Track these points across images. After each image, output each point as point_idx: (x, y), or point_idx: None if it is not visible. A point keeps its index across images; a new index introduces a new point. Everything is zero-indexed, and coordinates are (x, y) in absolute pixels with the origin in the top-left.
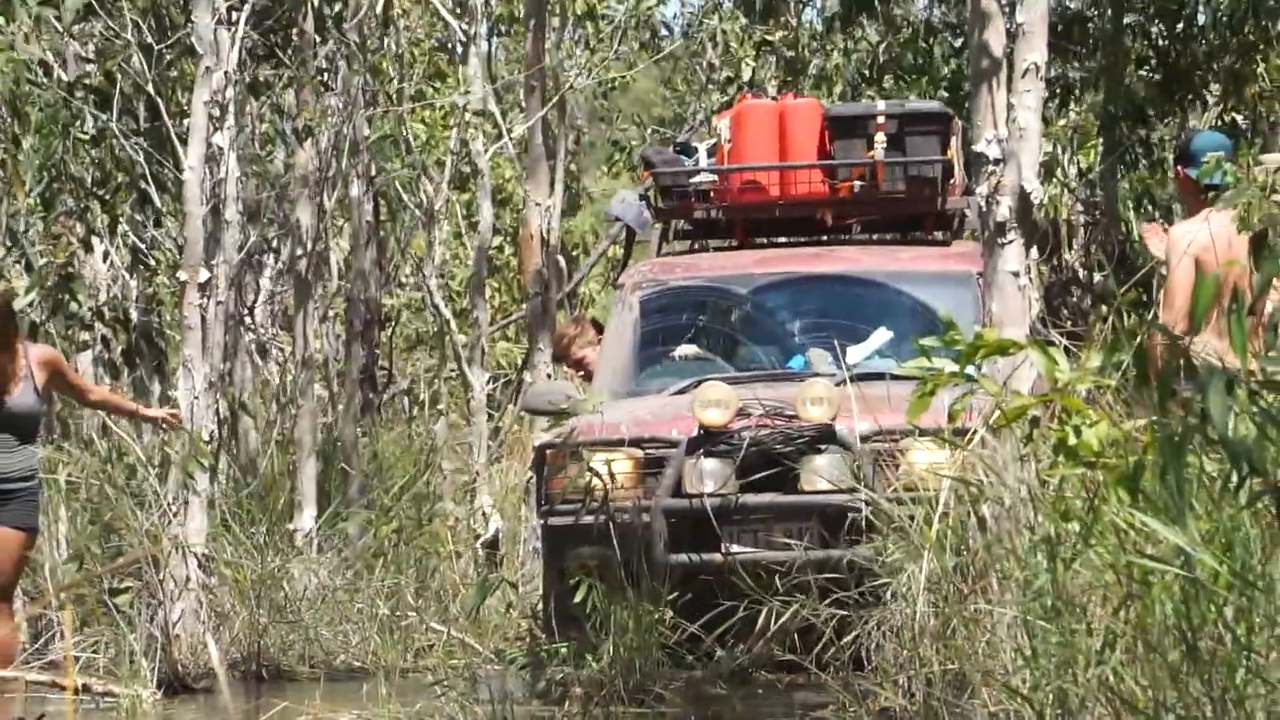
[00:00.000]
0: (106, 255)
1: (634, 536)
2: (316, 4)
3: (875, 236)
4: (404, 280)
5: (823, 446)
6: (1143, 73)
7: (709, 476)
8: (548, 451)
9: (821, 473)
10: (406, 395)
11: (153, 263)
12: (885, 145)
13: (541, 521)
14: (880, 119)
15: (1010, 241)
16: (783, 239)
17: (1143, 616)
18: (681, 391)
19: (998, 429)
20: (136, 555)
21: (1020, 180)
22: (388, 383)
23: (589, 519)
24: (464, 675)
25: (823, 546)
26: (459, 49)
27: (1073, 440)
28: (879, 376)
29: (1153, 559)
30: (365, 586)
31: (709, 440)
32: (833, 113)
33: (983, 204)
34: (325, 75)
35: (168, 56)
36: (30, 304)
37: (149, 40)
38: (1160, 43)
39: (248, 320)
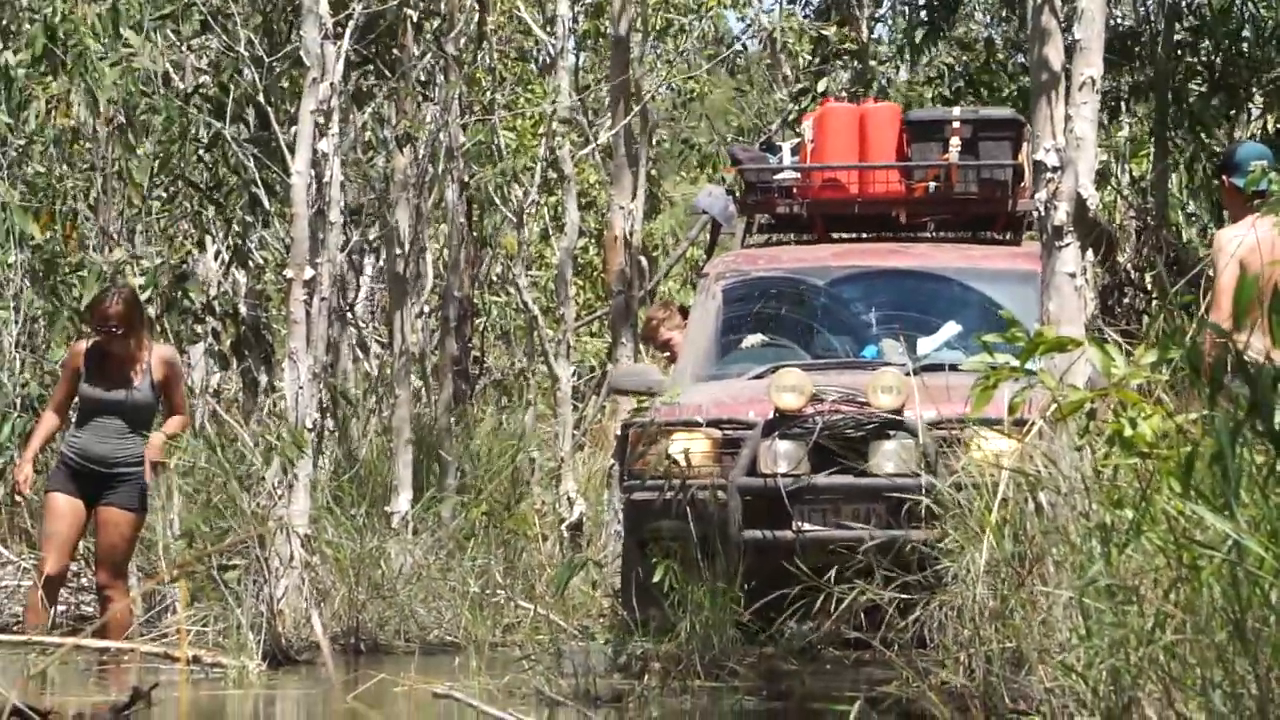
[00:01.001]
0: (218, 254)
1: (711, 513)
2: (416, 19)
3: (948, 235)
4: (494, 279)
5: (891, 433)
6: (1192, 85)
7: (783, 457)
8: (631, 431)
9: (889, 458)
10: (497, 387)
11: (261, 261)
12: (960, 149)
13: (624, 498)
14: (955, 124)
15: (1067, 244)
16: (860, 235)
17: (1192, 599)
18: (759, 377)
19: (1056, 421)
20: (244, 535)
21: (1077, 186)
22: (479, 375)
23: (669, 496)
24: (549, 650)
25: (888, 528)
26: (547, 61)
27: (1128, 432)
28: (947, 368)
29: (1202, 545)
30: (457, 566)
31: (784, 423)
32: (911, 117)
33: (1041, 209)
34: (424, 86)
35: (277, 68)
36: (147, 300)
37: (260, 53)
38: (1209, 57)
39: (349, 316)
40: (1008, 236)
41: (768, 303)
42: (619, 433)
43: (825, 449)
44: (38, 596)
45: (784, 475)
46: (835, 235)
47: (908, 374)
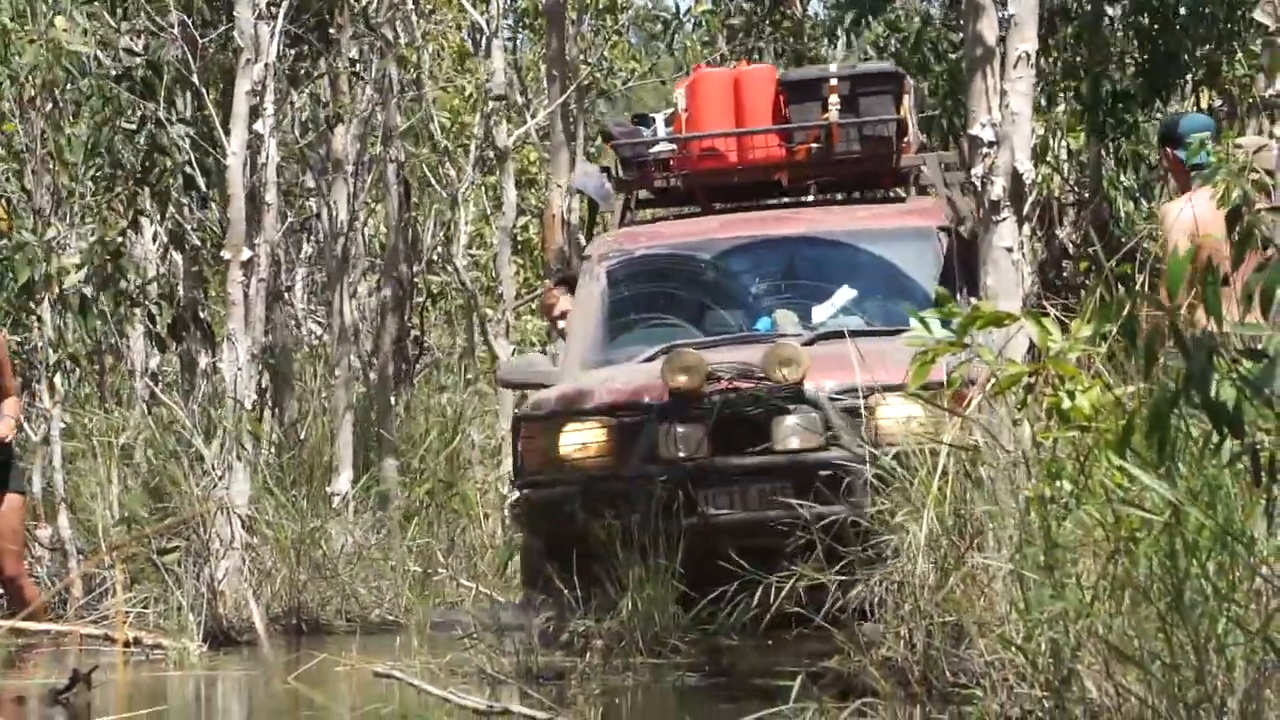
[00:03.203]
0: (155, 236)
1: (610, 505)
2: None
3: (835, 197)
4: (434, 258)
5: (793, 406)
6: (1125, 61)
7: (682, 441)
8: (522, 425)
9: (793, 432)
10: (437, 367)
11: (198, 242)
12: (839, 107)
13: (520, 497)
14: (833, 81)
15: (1004, 219)
16: (745, 204)
17: (1130, 570)
18: (652, 359)
19: (994, 395)
20: (184, 517)
21: (1013, 161)
22: (419, 355)
23: (565, 490)
24: (490, 628)
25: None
26: (483, 40)
27: (1065, 405)
28: (843, 334)
29: (1141, 509)
30: (398, 545)
31: (680, 406)
32: (786, 77)
33: (978, 184)
34: (358, 66)
35: (211, 49)
36: (82, 280)
37: (192, 33)
38: (1139, 33)
39: (286, 296)
40: (895, 194)
41: (653, 281)
42: (510, 425)
43: (726, 429)
44: None
45: (685, 460)
46: (719, 206)
47: (804, 344)
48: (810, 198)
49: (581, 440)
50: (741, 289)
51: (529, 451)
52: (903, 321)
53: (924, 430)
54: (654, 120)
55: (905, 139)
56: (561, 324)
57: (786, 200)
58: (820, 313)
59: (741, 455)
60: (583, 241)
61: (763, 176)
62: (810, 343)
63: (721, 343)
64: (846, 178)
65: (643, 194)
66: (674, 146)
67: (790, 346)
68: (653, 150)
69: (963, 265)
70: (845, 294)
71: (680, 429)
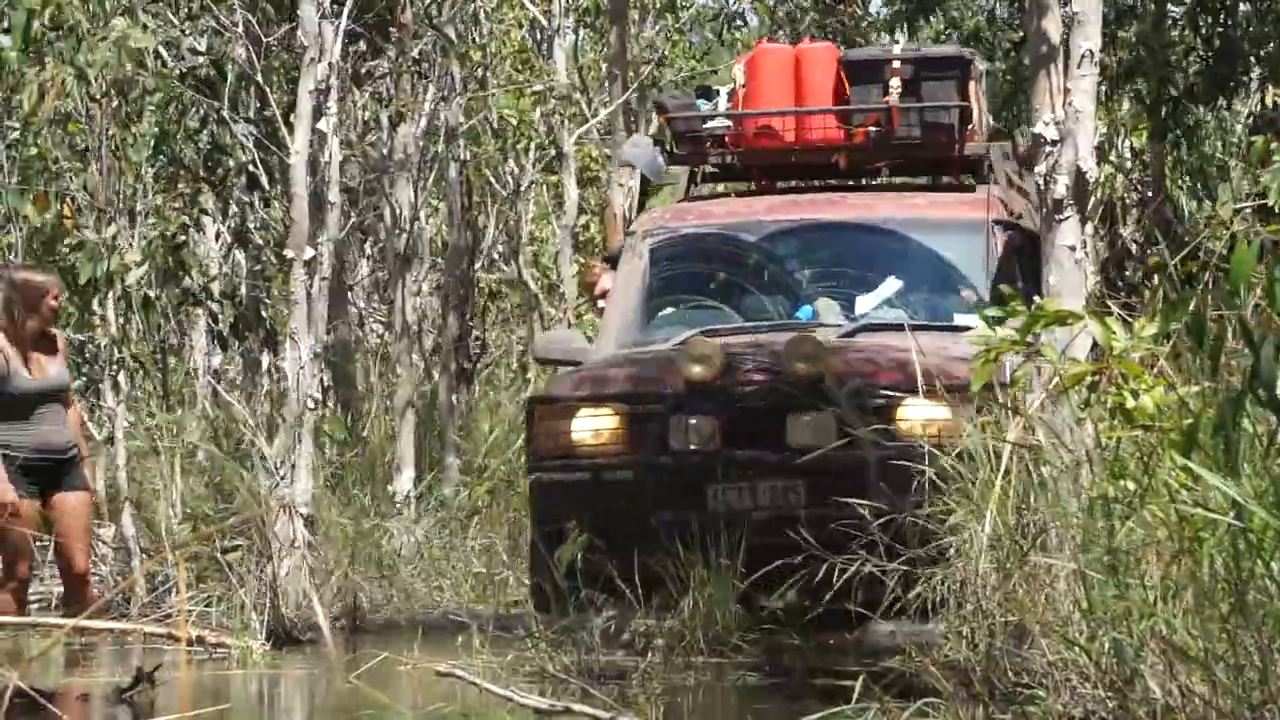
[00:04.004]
0: (217, 235)
1: (621, 494)
2: None
3: (897, 181)
4: (495, 256)
5: (810, 403)
6: (1191, 58)
7: (694, 433)
8: (537, 408)
9: (808, 429)
10: (500, 365)
11: (261, 241)
12: (901, 90)
13: (530, 480)
14: (895, 64)
15: (1067, 217)
16: (801, 184)
17: (1194, 571)
18: (682, 344)
19: (1059, 394)
20: (247, 516)
21: (1076, 159)
22: (481, 353)
23: (576, 477)
24: (553, 627)
25: (808, 505)
26: (545, 39)
27: (1129, 404)
28: (889, 327)
29: (1206, 510)
30: (460, 545)
31: (695, 396)
32: (849, 57)
33: (1041, 182)
34: (421, 65)
35: (275, 47)
36: (142, 278)
37: (257, 32)
38: (1206, 31)
39: (350, 295)
40: (960, 181)
41: (696, 262)
42: (525, 407)
43: (743, 422)
44: (12, 600)
45: (696, 452)
46: (777, 184)
47: (845, 335)
48: (870, 181)
49: (594, 427)
50: (786, 274)
51: (541, 435)
52: (948, 317)
53: (945, 433)
54: (718, 93)
55: (970, 125)
56: (602, 303)
57: (843, 183)
58: (864, 303)
59: (755, 450)
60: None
61: (819, 158)
62: (850, 334)
63: (760, 329)
64: (908, 163)
65: (708, 168)
66: (729, 123)
67: (810, 340)
68: (707, 125)
69: (1022, 261)
70: (891, 285)
71: (693, 420)
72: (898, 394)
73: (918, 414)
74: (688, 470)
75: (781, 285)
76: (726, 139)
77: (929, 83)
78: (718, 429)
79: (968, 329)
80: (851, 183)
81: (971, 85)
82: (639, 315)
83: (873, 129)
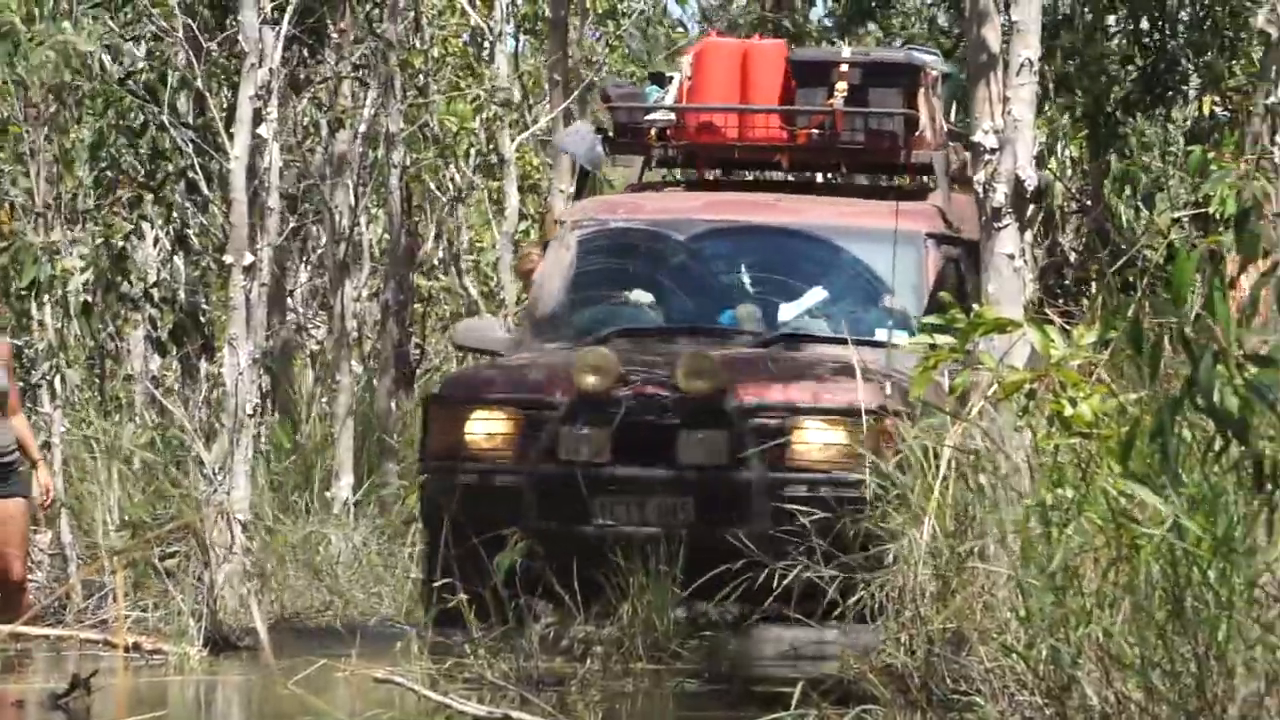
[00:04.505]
0: (156, 240)
1: (506, 501)
2: (353, 2)
3: (841, 182)
4: (435, 264)
5: (704, 420)
6: (1127, 69)
7: (584, 444)
8: (431, 407)
9: (697, 447)
10: (440, 372)
11: (199, 247)
12: (846, 95)
13: (421, 477)
14: (844, 67)
15: (1005, 225)
16: (744, 181)
17: (1131, 579)
18: (600, 343)
19: (996, 401)
20: (184, 522)
21: (1015, 168)
22: (420, 359)
23: (465, 480)
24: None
25: (694, 523)
26: (487, 45)
27: (1068, 411)
28: (806, 339)
29: (1141, 525)
30: (399, 551)
31: (586, 407)
32: (796, 57)
33: (980, 191)
34: (361, 71)
35: (215, 53)
36: (85, 283)
37: (196, 36)
38: (1140, 41)
39: (289, 301)
40: (908, 187)
41: (623, 257)
42: (420, 404)
43: (634, 436)
44: None
45: (584, 464)
46: (713, 180)
47: (762, 344)
48: (815, 182)
49: (487, 430)
50: (712, 276)
51: (434, 434)
52: (870, 331)
53: (843, 458)
54: (671, 80)
55: (917, 133)
56: None
57: (786, 183)
58: (786, 312)
59: (643, 466)
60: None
61: (761, 157)
62: (766, 344)
63: (676, 332)
64: (853, 167)
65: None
66: (671, 116)
67: (704, 358)
68: (649, 117)
69: (959, 274)
70: (815, 295)
71: (583, 431)
72: (794, 415)
73: (815, 437)
74: (574, 482)
75: (706, 287)
76: (669, 131)
77: (876, 88)
78: (607, 442)
79: (888, 344)
80: (795, 182)
81: (922, 92)
82: (559, 308)
83: (816, 132)
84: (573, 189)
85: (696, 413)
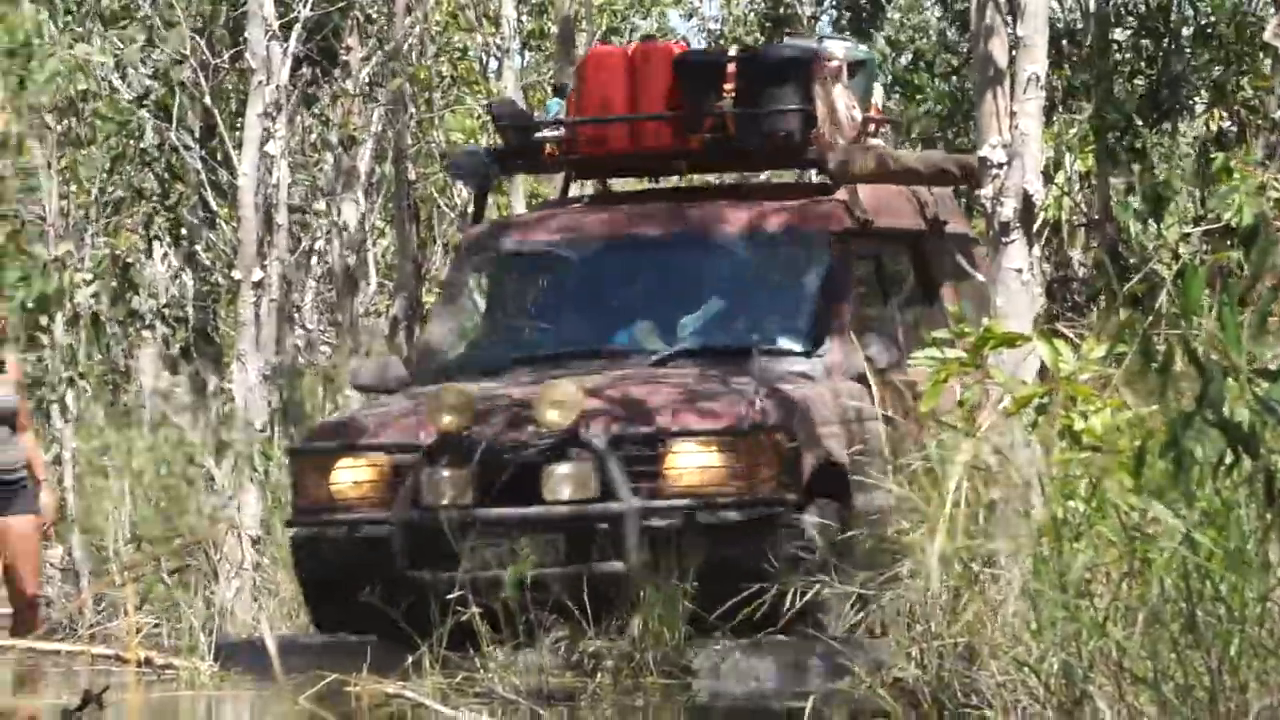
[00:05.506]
0: (164, 257)
1: (374, 552)
2: (361, 20)
3: (747, 184)
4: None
5: (566, 453)
6: (1134, 83)
7: (446, 486)
8: (297, 457)
9: (563, 482)
10: None
11: (208, 262)
12: (734, 95)
13: (290, 533)
14: (730, 66)
15: (1014, 240)
16: (646, 190)
17: (1143, 592)
18: (502, 373)
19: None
20: (195, 537)
21: (1023, 182)
22: None
23: (333, 533)
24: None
25: (568, 561)
26: (493, 61)
27: (1078, 426)
28: (704, 353)
29: (1153, 539)
30: None
31: (446, 447)
32: (682, 59)
33: (988, 205)
34: (371, 88)
35: (223, 70)
36: (93, 295)
37: (205, 55)
38: (1147, 55)
39: (297, 316)
40: (820, 182)
41: (518, 281)
42: (287, 456)
43: (496, 475)
44: None
45: (446, 508)
46: (622, 192)
47: (654, 363)
48: (719, 184)
49: (354, 478)
50: (609, 294)
51: (301, 486)
52: (763, 341)
53: (720, 481)
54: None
55: (816, 129)
56: None
57: (691, 189)
58: (685, 326)
59: (506, 505)
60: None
61: (653, 166)
62: (661, 362)
63: (571, 356)
64: (752, 168)
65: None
66: (559, 131)
67: (561, 388)
68: (537, 135)
69: (881, 267)
70: (714, 306)
71: (445, 473)
72: (662, 441)
73: (687, 461)
74: (439, 527)
75: (604, 306)
76: (560, 146)
77: (768, 87)
78: (470, 483)
79: (788, 354)
80: (701, 188)
81: (820, 83)
82: (452, 340)
83: (709, 135)
84: (472, 214)
85: (560, 446)
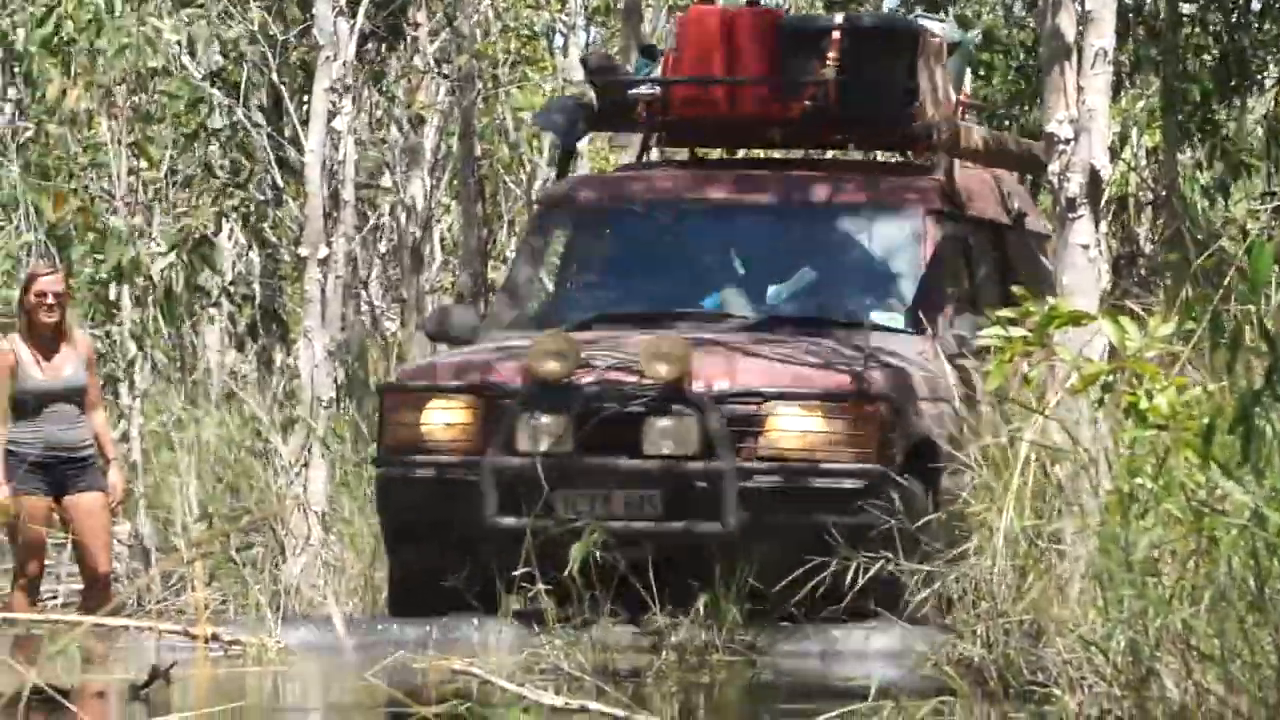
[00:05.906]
0: (231, 233)
1: (463, 495)
2: None
3: (840, 157)
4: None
5: (671, 407)
6: (1203, 58)
7: (544, 433)
8: (387, 396)
9: (664, 436)
10: None
11: (275, 240)
12: (838, 63)
13: (376, 475)
14: (835, 34)
15: (1080, 216)
16: (735, 159)
17: (1210, 570)
18: (582, 327)
19: (1073, 394)
20: (263, 513)
21: (1090, 158)
22: None
23: (420, 474)
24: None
25: (664, 518)
26: (559, 38)
27: (1144, 404)
28: (792, 321)
29: (1222, 516)
30: None
31: (544, 394)
32: (785, 24)
33: (1055, 181)
34: (439, 65)
35: (291, 45)
36: (168, 267)
37: (273, 31)
38: (1215, 30)
39: (363, 294)
40: (917, 161)
41: (603, 239)
42: (377, 393)
43: (596, 425)
44: (23, 598)
45: (544, 455)
46: (712, 159)
47: (746, 328)
48: (812, 156)
49: (445, 420)
50: (696, 258)
51: (391, 426)
52: (859, 314)
53: (817, 446)
54: (661, 54)
55: (918, 101)
56: None
57: (782, 159)
58: (774, 294)
59: (606, 455)
60: None
61: (749, 131)
62: (751, 328)
63: (656, 318)
64: (850, 140)
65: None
66: (656, 90)
67: (669, 341)
68: (632, 92)
69: (968, 253)
70: (804, 276)
71: (543, 420)
72: (767, 401)
73: (789, 425)
74: (533, 474)
75: (691, 269)
76: (653, 106)
77: (871, 56)
78: (568, 431)
79: (885, 329)
80: (792, 159)
81: (922, 60)
82: (532, 294)
83: (809, 103)
84: (557, 169)
85: (661, 399)
